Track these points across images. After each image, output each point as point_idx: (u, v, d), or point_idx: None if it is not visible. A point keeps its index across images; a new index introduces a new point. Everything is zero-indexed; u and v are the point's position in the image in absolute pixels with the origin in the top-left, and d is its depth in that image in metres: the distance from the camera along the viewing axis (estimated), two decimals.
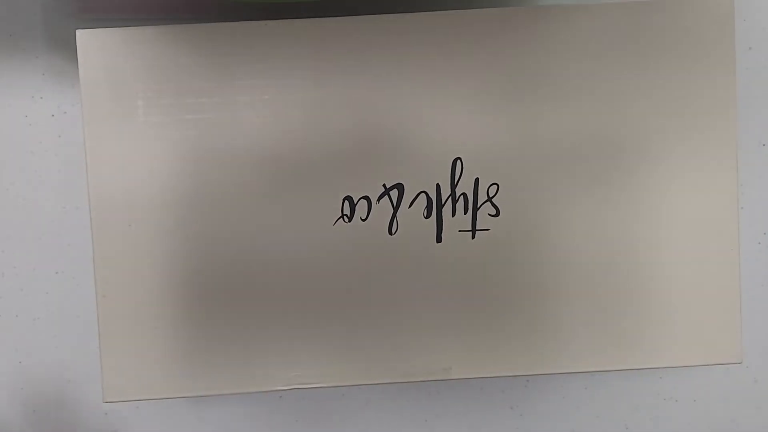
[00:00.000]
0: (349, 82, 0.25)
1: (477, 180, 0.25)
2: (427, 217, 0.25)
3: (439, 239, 0.25)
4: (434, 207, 0.25)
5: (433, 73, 0.25)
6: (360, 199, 0.25)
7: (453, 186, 0.25)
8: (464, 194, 0.25)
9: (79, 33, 0.24)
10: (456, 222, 0.25)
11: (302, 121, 0.25)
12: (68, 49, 0.30)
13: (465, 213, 0.25)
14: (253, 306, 0.25)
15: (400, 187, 0.25)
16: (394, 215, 0.25)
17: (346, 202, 0.25)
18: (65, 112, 0.30)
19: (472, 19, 0.25)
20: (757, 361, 0.32)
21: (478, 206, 0.25)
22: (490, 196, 0.25)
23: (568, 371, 0.26)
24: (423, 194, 0.25)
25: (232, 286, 0.25)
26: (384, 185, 0.25)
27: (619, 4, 0.25)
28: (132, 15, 0.29)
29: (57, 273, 0.31)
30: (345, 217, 0.25)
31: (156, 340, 0.25)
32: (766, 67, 0.31)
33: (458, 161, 0.25)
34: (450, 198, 0.25)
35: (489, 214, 0.25)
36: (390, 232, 0.25)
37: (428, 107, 0.25)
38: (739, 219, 0.26)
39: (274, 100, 0.25)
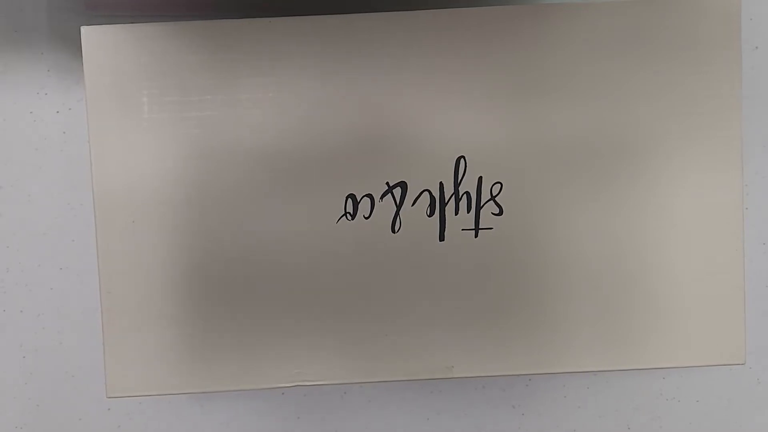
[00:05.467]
0: (352, 80, 0.25)
1: (480, 179, 0.25)
2: (430, 216, 0.25)
3: (441, 238, 0.25)
4: (437, 205, 0.25)
5: (437, 72, 0.25)
6: (363, 197, 0.25)
7: (456, 184, 0.25)
8: (467, 193, 0.25)
9: (84, 30, 0.24)
10: (459, 221, 0.25)
11: (306, 119, 0.25)
12: (73, 46, 0.30)
13: (468, 212, 0.25)
14: (256, 303, 0.25)
15: (403, 186, 0.25)
16: (397, 213, 0.25)
17: (350, 200, 0.25)
18: (70, 109, 0.30)
19: (477, 16, 0.25)
20: (761, 362, 0.32)
21: (482, 205, 0.25)
22: (494, 195, 0.25)
23: (571, 371, 0.26)
24: (426, 192, 0.25)
25: (235, 283, 0.25)
26: (387, 183, 0.25)
27: (624, 2, 0.25)
28: (136, 12, 0.29)
29: (61, 269, 0.31)
30: (348, 215, 0.25)
31: (159, 336, 0.25)
32: None
33: (462, 160, 0.25)
34: (453, 196, 0.25)
35: (492, 213, 0.25)
36: (393, 231, 0.25)
37: (432, 105, 0.25)
38: (744, 220, 0.25)
39: (278, 97, 0.25)
